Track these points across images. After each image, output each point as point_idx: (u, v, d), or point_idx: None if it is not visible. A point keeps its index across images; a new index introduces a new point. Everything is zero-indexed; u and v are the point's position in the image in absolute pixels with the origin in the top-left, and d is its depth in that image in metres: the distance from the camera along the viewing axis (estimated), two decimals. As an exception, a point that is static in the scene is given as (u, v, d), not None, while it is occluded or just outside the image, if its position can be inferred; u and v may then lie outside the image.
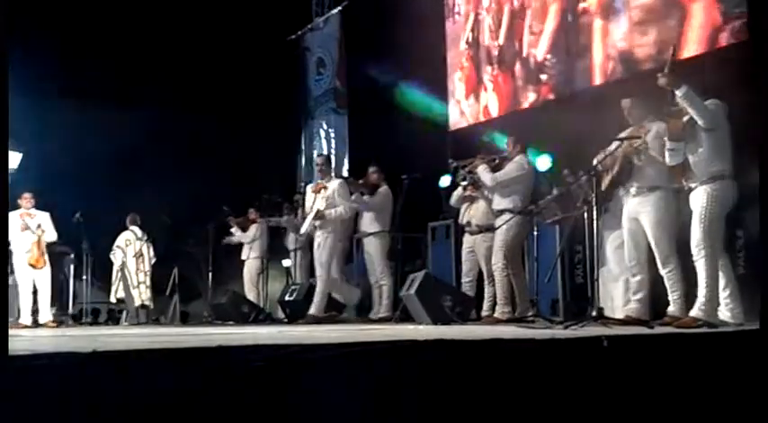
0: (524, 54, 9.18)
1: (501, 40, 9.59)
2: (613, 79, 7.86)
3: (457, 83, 10.34)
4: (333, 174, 8.53)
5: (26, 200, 9.04)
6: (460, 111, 10.22)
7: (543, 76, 8.88)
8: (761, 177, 3.95)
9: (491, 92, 9.74)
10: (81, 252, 10.25)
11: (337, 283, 8.35)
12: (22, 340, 3.97)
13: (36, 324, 8.78)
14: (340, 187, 8.05)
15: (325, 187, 8.09)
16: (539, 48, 8.93)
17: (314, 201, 8.11)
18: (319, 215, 7.94)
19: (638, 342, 3.74)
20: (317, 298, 8.00)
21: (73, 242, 10.17)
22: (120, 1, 11.64)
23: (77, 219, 10.17)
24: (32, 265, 8.91)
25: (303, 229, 8.27)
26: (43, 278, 9.00)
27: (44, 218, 9.14)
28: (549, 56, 8.78)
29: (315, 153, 13.28)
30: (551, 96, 8.79)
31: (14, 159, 9.41)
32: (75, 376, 2.20)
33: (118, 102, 11.33)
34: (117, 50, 11.63)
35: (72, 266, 9.88)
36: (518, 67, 9.30)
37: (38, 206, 9.19)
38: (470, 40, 10.16)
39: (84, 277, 10.41)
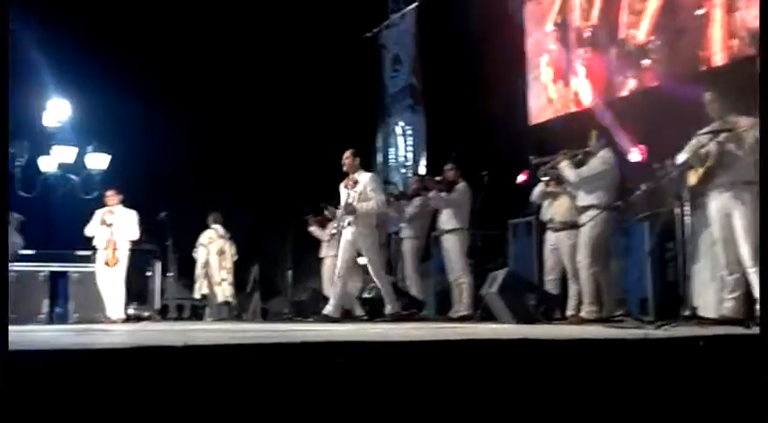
0: (622, 36, 8.66)
1: (594, 20, 9.09)
2: (739, 59, 7.17)
3: (544, 67, 9.98)
4: (359, 165, 7.95)
5: (109, 197, 9.16)
6: (548, 97, 9.90)
7: (645, 62, 8.34)
8: (761, 177, 3.72)
9: (583, 78, 9.31)
10: (166, 250, 10.47)
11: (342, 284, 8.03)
12: (117, 334, 4.07)
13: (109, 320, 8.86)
14: (371, 180, 7.76)
15: (356, 181, 7.77)
16: (640, 29, 8.33)
17: (347, 196, 7.78)
18: (350, 209, 7.63)
19: (735, 342, 3.56)
20: (386, 298, 7.87)
21: (158, 240, 10.40)
22: (201, 4, 11.85)
23: (162, 217, 10.41)
24: (105, 263, 9.00)
25: (335, 225, 8.00)
26: (115, 275, 9.00)
27: (128, 216, 9.16)
28: (652, 37, 8.24)
29: (391, 151, 13.26)
30: (654, 83, 8.27)
31: (103, 160, 9.66)
32: (168, 369, 2.22)
33: (202, 103, 11.54)
34: (200, 52, 11.84)
35: (158, 264, 10.08)
36: (614, 50, 8.81)
37: (126, 205, 9.31)
38: (559, 21, 9.73)
39: (170, 274, 10.63)
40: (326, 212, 10.79)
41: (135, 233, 9.20)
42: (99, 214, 9.05)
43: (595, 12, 9.00)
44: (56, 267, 9.19)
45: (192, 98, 11.62)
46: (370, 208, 7.64)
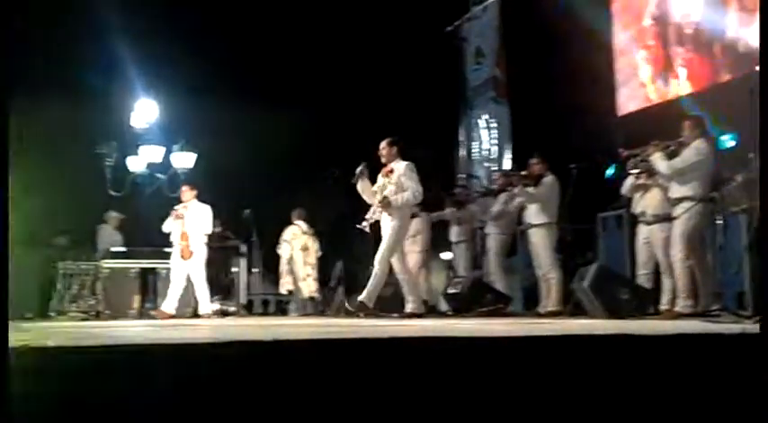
0: (731, 35, 8.12)
1: (697, 17, 8.62)
2: None
3: (641, 63, 9.62)
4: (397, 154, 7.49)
5: (184, 192, 9.24)
6: (645, 95, 9.56)
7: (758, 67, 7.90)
8: (761, 176, 3.48)
9: (684, 80, 8.87)
10: (251, 246, 10.60)
11: (412, 279, 7.67)
12: (205, 329, 4.09)
13: (196, 315, 8.94)
14: (407, 169, 7.32)
15: (392, 170, 7.40)
16: (752, 27, 7.56)
17: (382, 186, 7.43)
18: (385, 202, 7.26)
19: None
20: (372, 287, 7.36)
21: (243, 237, 10.53)
22: (284, 3, 11.95)
23: (247, 214, 10.55)
24: (180, 256, 9.02)
25: (369, 217, 7.52)
26: (193, 270, 9.02)
27: (201, 210, 9.20)
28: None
29: (474, 145, 13.11)
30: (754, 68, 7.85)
31: (189, 159, 9.83)
32: (258, 363, 2.21)
33: (286, 100, 11.63)
34: (284, 50, 11.94)
35: (243, 260, 10.21)
36: (718, 49, 8.34)
37: (209, 201, 9.41)
38: (656, 15, 9.38)
39: (255, 270, 10.76)
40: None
41: (208, 227, 9.22)
42: (174, 210, 9.18)
43: (700, 5, 8.55)
44: (145, 264, 9.39)
45: (276, 96, 11.73)
46: (406, 199, 7.29)
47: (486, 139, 12.82)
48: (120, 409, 2.01)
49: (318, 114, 11.74)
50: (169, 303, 8.87)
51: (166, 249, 9.58)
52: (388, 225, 7.32)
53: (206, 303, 9.05)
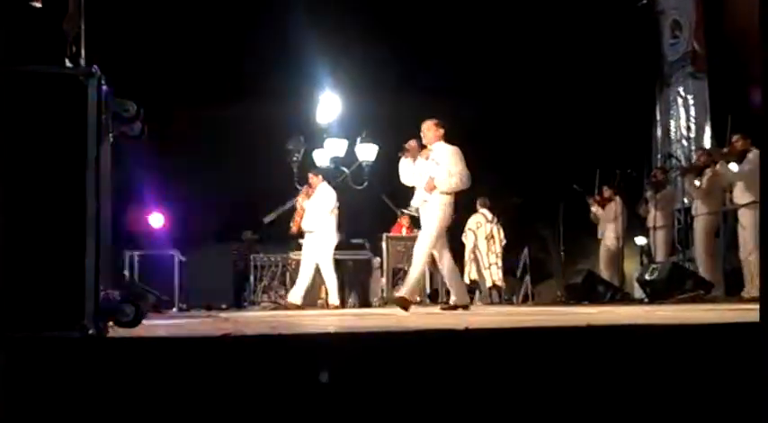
0: None
1: None
2: None
3: None
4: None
5: (311, 178, 9.07)
6: None
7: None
8: (761, 176, 2.85)
9: None
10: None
11: (453, 273, 6.86)
12: (386, 317, 4.05)
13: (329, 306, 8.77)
14: (455, 153, 6.62)
15: (436, 154, 6.68)
16: None
17: (425, 168, 6.72)
18: (430, 186, 6.56)
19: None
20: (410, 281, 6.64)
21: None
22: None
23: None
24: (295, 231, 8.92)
25: (413, 204, 6.88)
26: (321, 261, 8.78)
27: (325, 195, 8.90)
28: None
29: (672, 123, 12.41)
30: None
31: (372, 151, 9.91)
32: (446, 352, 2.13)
33: (465, 85, 11.53)
34: (465, 39, 11.81)
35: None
36: None
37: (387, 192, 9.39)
38: None
39: (439, 259, 10.72)
40: (604, 188, 10.28)
41: (326, 212, 8.84)
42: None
43: None
44: (338, 256, 9.49)
45: (453, 84, 11.64)
46: (455, 185, 6.57)
47: (683, 117, 12.09)
48: (320, 394, 2.00)
49: (504, 96, 11.51)
50: (333, 295, 8.79)
51: (353, 240, 9.74)
52: (430, 213, 6.61)
53: (334, 295, 8.84)
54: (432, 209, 6.55)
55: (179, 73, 10.21)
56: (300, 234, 8.90)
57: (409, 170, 6.74)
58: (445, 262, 6.73)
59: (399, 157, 6.78)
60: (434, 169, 6.57)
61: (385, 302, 9.43)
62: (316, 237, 8.79)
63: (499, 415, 2.08)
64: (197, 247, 9.22)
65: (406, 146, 6.72)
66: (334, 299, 8.76)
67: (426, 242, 6.51)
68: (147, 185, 9.28)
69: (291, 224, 9.00)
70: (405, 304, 6.25)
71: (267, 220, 9.49)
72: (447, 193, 6.57)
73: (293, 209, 9.07)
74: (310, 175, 9.10)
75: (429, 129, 6.74)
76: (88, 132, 2.23)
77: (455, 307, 6.56)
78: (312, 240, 8.82)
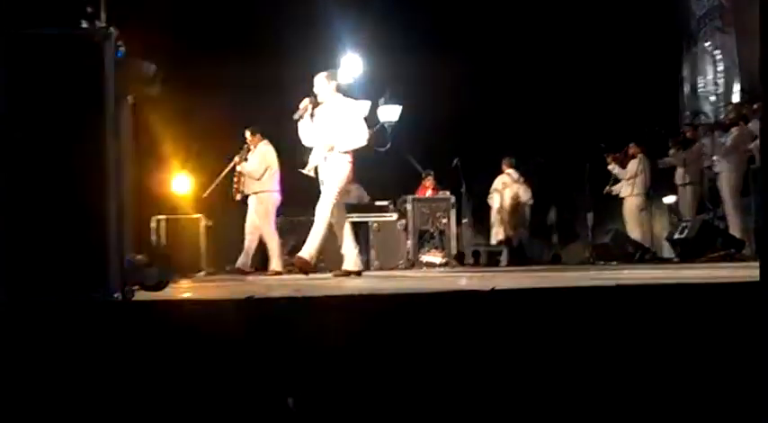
0: None
1: None
2: None
3: None
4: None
5: (247, 137, 8.53)
6: None
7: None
8: (762, 174, 2.75)
9: None
10: (460, 197, 10.51)
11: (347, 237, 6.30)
12: (418, 280, 4.00)
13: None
14: (354, 107, 6.27)
15: (330, 107, 6.21)
16: None
17: (323, 125, 6.21)
18: (329, 145, 6.09)
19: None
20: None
21: (452, 187, 10.46)
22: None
23: (456, 164, 10.45)
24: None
25: (311, 163, 6.26)
26: (263, 224, 8.28)
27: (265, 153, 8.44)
28: None
29: (699, 79, 12.17)
30: None
31: (395, 112, 9.83)
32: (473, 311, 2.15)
33: (491, 45, 11.34)
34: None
35: (453, 211, 10.13)
36: None
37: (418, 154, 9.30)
38: None
39: (464, 221, 10.68)
40: (630, 146, 10.12)
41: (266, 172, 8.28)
42: None
43: None
44: (356, 218, 9.48)
45: (479, 40, 11.45)
46: (351, 142, 6.12)
47: (711, 73, 11.84)
48: (344, 355, 2.02)
49: (530, 56, 11.32)
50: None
51: (378, 203, 9.70)
52: (329, 172, 6.14)
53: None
54: (331, 168, 6.10)
55: (200, 32, 10.11)
56: (245, 199, 8.36)
57: (307, 129, 6.21)
58: (343, 223, 6.27)
59: (296, 121, 6.21)
60: (331, 127, 6.12)
61: (411, 264, 9.41)
62: (258, 199, 8.29)
63: (528, 375, 2.06)
64: (223, 210, 9.18)
65: (300, 106, 6.19)
66: (276, 264, 8.11)
67: (328, 203, 6.02)
68: (171, 149, 9.25)
69: (232, 191, 8.37)
70: (305, 267, 5.94)
71: (206, 193, 8.94)
72: (345, 152, 6.12)
73: (233, 173, 8.41)
74: (248, 134, 8.48)
75: (320, 83, 6.25)
76: (106, 94, 2.21)
77: (348, 273, 6.16)
78: (254, 203, 8.32)
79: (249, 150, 8.41)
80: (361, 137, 6.10)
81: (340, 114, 6.14)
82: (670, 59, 12.50)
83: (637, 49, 11.21)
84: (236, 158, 8.40)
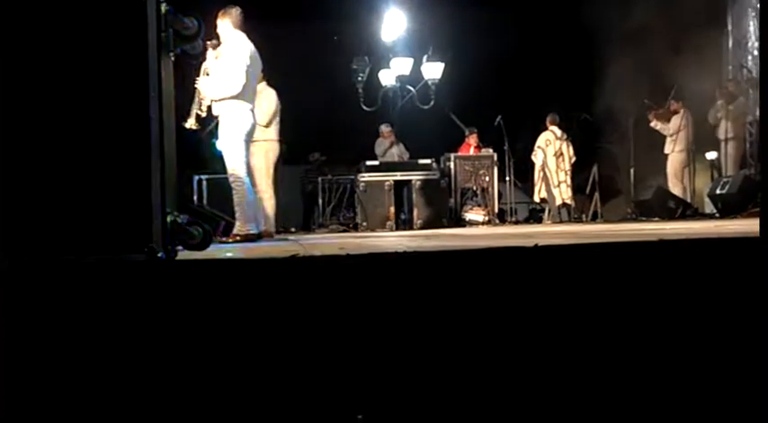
0: None
1: None
2: None
3: None
4: None
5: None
6: None
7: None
8: (762, 172, 2.68)
9: None
10: (503, 154, 10.43)
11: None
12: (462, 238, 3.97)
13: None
14: (228, 50, 5.41)
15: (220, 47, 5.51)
16: None
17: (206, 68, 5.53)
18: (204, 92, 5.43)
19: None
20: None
21: (495, 145, 10.38)
22: None
23: (498, 122, 10.35)
24: None
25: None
26: None
27: None
28: None
29: (744, 32, 11.80)
30: None
31: (438, 69, 9.70)
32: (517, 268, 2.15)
33: (532, 4, 11.14)
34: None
35: (495, 168, 10.04)
36: None
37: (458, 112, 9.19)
38: None
39: (507, 178, 10.61)
40: (671, 102, 9.94)
41: None
42: None
43: None
44: (399, 176, 9.49)
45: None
46: (220, 90, 5.32)
47: (752, 27, 11.48)
48: (388, 310, 2.02)
49: (574, 13, 11.07)
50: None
51: (421, 161, 9.64)
52: (222, 127, 5.45)
53: None
54: (222, 122, 5.40)
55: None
56: None
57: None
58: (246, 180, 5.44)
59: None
60: (212, 72, 5.34)
61: (455, 222, 9.39)
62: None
63: (571, 329, 2.04)
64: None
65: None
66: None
67: (233, 163, 5.32)
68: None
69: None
70: (250, 238, 5.34)
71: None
72: (220, 100, 5.34)
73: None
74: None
75: (216, 22, 5.47)
76: (149, 51, 2.18)
77: (236, 236, 5.41)
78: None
79: None
80: (232, 84, 5.27)
81: (222, 58, 5.38)
82: (714, 13, 12.12)
83: (682, 3, 10.89)
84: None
